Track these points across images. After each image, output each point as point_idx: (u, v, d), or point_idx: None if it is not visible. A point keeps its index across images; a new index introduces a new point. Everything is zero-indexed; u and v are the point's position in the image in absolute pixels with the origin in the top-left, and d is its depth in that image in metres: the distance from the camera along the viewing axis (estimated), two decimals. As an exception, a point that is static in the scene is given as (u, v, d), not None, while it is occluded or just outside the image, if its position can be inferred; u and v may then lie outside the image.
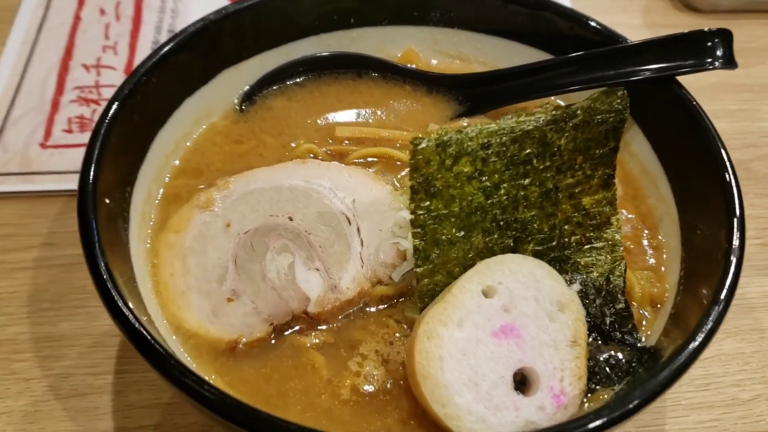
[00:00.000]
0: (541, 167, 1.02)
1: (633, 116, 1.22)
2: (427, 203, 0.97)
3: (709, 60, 1.16)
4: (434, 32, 1.40)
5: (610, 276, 1.05)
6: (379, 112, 1.33)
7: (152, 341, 0.86)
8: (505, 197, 1.01)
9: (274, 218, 1.12)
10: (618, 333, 1.03)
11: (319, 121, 1.31)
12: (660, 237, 1.16)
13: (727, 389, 1.24)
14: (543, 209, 1.03)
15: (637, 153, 1.24)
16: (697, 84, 1.25)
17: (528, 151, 1.01)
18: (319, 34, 1.36)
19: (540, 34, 1.32)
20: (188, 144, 1.25)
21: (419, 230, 0.97)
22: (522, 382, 0.96)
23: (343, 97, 1.35)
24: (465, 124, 1.24)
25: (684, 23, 1.95)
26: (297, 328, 1.04)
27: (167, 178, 1.20)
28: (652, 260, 1.15)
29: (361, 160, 1.24)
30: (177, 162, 1.22)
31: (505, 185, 1.01)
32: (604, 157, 1.03)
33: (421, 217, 0.97)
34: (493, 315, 0.95)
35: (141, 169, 1.14)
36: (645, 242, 1.17)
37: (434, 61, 1.42)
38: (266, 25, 1.30)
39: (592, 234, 1.06)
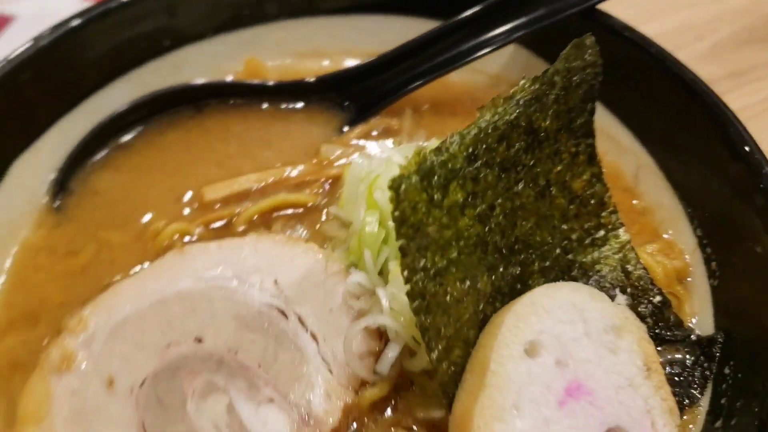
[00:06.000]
0: (531, 162, 0.76)
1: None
2: (423, 261, 0.68)
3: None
4: (277, 29, 1.08)
5: (627, 266, 0.83)
6: (246, 152, 0.99)
7: None
8: (501, 216, 0.74)
9: (176, 348, 0.76)
10: (665, 331, 0.81)
11: (172, 188, 0.95)
12: (643, 195, 0.95)
13: None
14: (539, 213, 0.78)
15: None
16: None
17: (516, 146, 0.76)
18: (127, 73, 1.00)
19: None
20: (1, 282, 0.84)
21: (420, 301, 0.67)
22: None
23: (189, 144, 0.99)
24: (424, 143, 0.94)
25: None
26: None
27: (-11, 345, 0.79)
28: (653, 228, 0.93)
29: (255, 219, 0.91)
30: (-6, 316, 0.82)
31: (499, 201, 0.75)
32: (584, 125, 0.81)
33: (419, 283, 0.67)
34: (550, 379, 0.69)
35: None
36: (630, 209, 0.95)
37: (288, 63, 1.09)
38: (52, 82, 0.91)
39: (590, 223, 0.83)
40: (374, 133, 1.01)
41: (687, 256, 0.88)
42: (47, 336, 0.80)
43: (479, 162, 0.70)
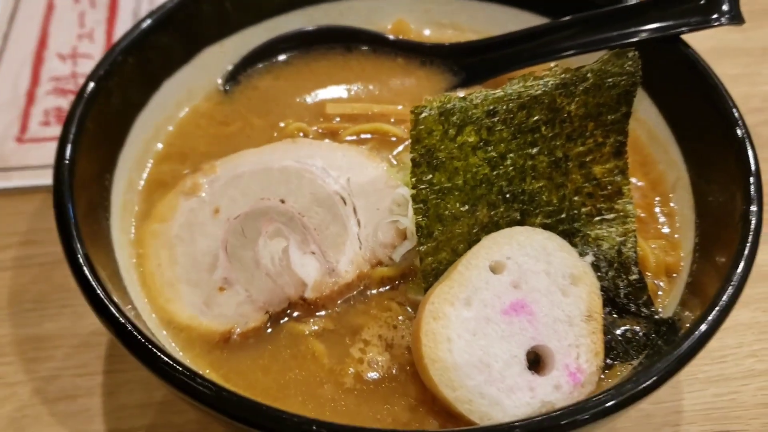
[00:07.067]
0: (550, 135, 0.95)
1: (639, 80, 1.17)
2: (430, 176, 0.91)
3: (714, 16, 1.11)
4: (426, 1, 1.33)
5: (622, 248, 1.00)
6: (371, 88, 1.27)
7: (140, 337, 0.81)
8: (511, 168, 0.95)
9: (266, 201, 1.05)
10: (633, 305, 0.98)
11: (308, 99, 1.25)
12: (672, 204, 1.11)
13: (743, 360, 1.19)
14: (552, 180, 0.97)
15: (644, 118, 1.18)
16: (695, 49, 1.19)
17: (536, 117, 0.95)
18: (304, 8, 1.29)
19: (537, -2, 1.26)
20: (170, 128, 1.19)
21: (421, 206, 0.91)
22: (536, 361, 0.90)
23: (333, 73, 1.28)
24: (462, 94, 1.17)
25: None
26: (294, 315, 0.98)
27: (149, 165, 1.14)
28: (665, 228, 1.09)
29: (354, 138, 1.18)
30: (160, 146, 1.16)
31: (511, 155, 0.95)
32: (616, 123, 0.97)
33: (423, 191, 0.91)
34: (502, 292, 0.90)
35: (120, 156, 1.08)
36: (657, 210, 1.12)
37: (427, 32, 1.35)
38: (247, 1, 1.23)
39: (603, 205, 1.00)
40: (470, 97, 1.24)
41: (683, 258, 1.03)
42: (187, 171, 1.13)
43: (497, 118, 0.92)
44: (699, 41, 1.15)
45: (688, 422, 1.13)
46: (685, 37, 1.13)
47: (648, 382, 0.78)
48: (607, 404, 0.76)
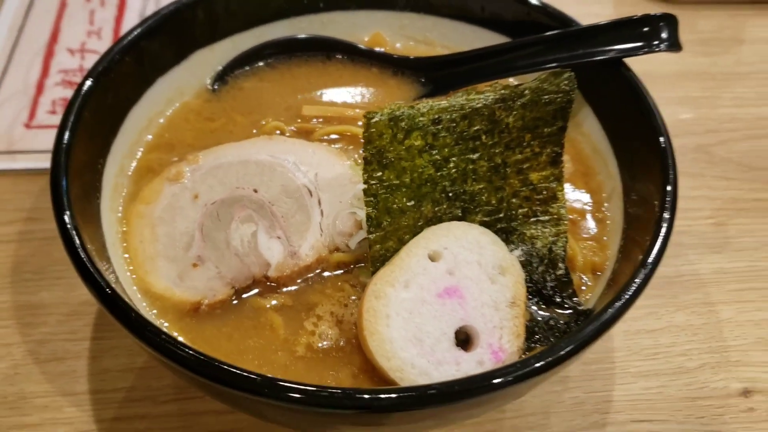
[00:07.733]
0: (490, 143, 1.07)
1: (585, 98, 1.29)
2: (380, 174, 1.03)
3: (655, 43, 1.23)
4: (401, 17, 1.46)
5: (553, 246, 1.11)
6: (346, 93, 1.40)
7: (122, 303, 0.92)
8: (454, 170, 1.07)
9: (240, 190, 1.18)
10: (558, 297, 1.09)
11: (288, 101, 1.37)
12: (605, 211, 1.23)
13: (674, 358, 1.31)
14: (491, 183, 1.09)
15: (588, 133, 1.30)
16: (661, 71, 1.30)
17: (477, 127, 1.07)
18: (290, 18, 1.42)
19: (501, 20, 1.39)
20: (161, 121, 1.32)
21: (372, 199, 1.03)
22: (466, 341, 1.02)
23: (312, 78, 1.41)
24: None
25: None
26: (257, 291, 1.11)
27: (140, 152, 1.27)
28: (596, 232, 1.21)
29: (326, 137, 1.30)
30: (150, 137, 1.29)
31: (454, 159, 1.07)
32: (552, 135, 1.08)
33: (374, 186, 1.03)
34: (438, 277, 1.02)
35: (114, 144, 1.20)
36: (590, 215, 1.23)
37: (400, 45, 1.48)
38: (239, 8, 1.36)
39: (538, 208, 1.12)
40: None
41: (609, 258, 1.16)
42: (174, 159, 1.25)
43: (441, 126, 1.04)
44: (667, 64, 1.26)
45: (616, 411, 1.24)
46: (653, 59, 1.24)
47: (553, 357, 0.89)
48: (516, 373, 0.87)
